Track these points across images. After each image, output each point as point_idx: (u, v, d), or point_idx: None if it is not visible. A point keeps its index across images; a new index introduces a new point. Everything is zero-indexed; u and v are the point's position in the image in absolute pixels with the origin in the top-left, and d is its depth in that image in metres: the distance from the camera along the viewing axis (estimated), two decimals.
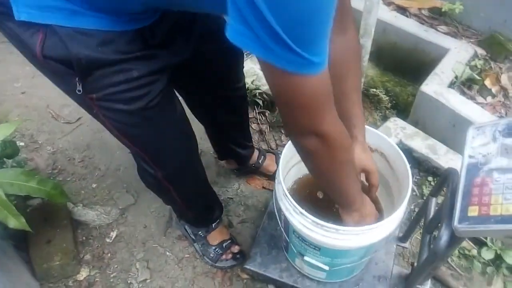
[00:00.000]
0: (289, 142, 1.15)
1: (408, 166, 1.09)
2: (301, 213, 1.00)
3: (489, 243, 1.41)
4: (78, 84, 0.80)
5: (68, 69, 0.78)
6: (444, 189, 1.15)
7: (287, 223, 1.15)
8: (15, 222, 1.02)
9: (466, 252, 1.46)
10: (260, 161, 1.64)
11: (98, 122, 0.93)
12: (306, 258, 1.16)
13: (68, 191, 1.48)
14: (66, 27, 0.73)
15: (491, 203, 0.75)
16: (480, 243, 1.45)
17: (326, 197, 1.27)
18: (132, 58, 0.80)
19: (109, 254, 1.46)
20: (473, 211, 0.77)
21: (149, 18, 0.81)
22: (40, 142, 1.81)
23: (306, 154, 0.77)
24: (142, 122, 0.91)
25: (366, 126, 1.09)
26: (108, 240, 1.50)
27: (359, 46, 0.96)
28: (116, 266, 1.44)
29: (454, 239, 0.88)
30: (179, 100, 1.04)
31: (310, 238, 1.05)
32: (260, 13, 0.51)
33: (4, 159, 1.25)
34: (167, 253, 1.48)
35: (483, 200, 0.77)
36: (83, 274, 1.41)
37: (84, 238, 1.49)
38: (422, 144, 1.65)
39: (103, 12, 0.75)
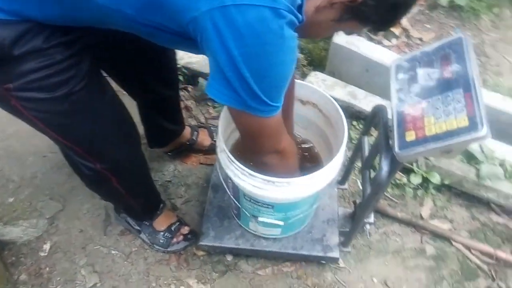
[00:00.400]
0: (223, 111, 1.12)
1: (340, 110, 1.14)
2: (250, 174, 0.99)
3: (416, 169, 1.55)
4: None
5: None
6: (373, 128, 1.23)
7: (236, 190, 1.14)
8: None
9: (397, 181, 1.60)
10: (194, 137, 1.58)
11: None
12: (260, 219, 1.17)
13: None
14: None
15: (425, 125, 0.81)
16: (407, 171, 1.60)
17: None
18: (55, 44, 0.73)
19: (47, 268, 1.32)
20: (410, 136, 0.83)
21: None
22: None
23: (267, 168, 0.96)
24: (69, 110, 0.82)
25: (299, 81, 1.19)
26: (42, 254, 1.35)
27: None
28: (58, 278, 1.31)
29: (394, 166, 0.95)
30: (108, 82, 0.94)
31: (263, 197, 1.05)
32: (247, 84, 0.68)
33: None
34: (112, 252, 1.38)
35: (417, 124, 0.83)
36: None
37: (13, 258, 1.32)
38: (342, 92, 1.74)
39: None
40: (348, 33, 0.84)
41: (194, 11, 0.63)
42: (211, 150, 1.62)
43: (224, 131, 1.17)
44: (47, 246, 1.37)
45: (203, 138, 1.62)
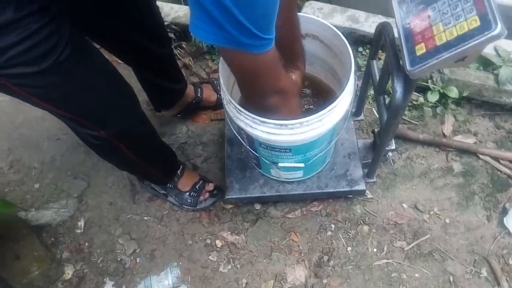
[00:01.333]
0: (220, 62, 1.08)
1: (342, 36, 1.08)
2: (262, 121, 0.97)
3: (431, 86, 1.49)
4: None
5: None
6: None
7: (250, 139, 1.12)
8: None
9: (414, 102, 1.55)
10: (199, 94, 1.55)
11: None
12: (280, 164, 1.16)
13: (12, 201, 1.33)
14: None
15: (434, 34, 0.76)
16: (423, 89, 1.54)
17: None
18: (27, 13, 0.68)
19: (86, 243, 1.38)
20: (420, 49, 0.78)
21: None
22: None
23: (271, 111, 0.91)
24: (61, 80, 0.79)
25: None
26: (78, 231, 1.41)
27: None
28: (99, 251, 1.37)
29: (408, 86, 0.90)
30: (97, 48, 0.91)
31: (278, 142, 1.04)
32: (230, 14, 0.60)
33: None
34: (145, 218, 1.42)
35: (426, 35, 0.77)
36: (69, 272, 1.33)
37: (52, 239, 1.39)
38: (342, 17, 1.65)
39: None
40: None
41: None
42: (219, 104, 1.60)
43: (227, 82, 1.14)
44: (81, 223, 1.42)
45: (209, 94, 1.59)
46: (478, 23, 0.69)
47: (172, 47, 1.37)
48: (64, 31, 0.76)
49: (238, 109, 1.00)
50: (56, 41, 0.74)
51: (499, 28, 0.67)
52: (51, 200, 1.47)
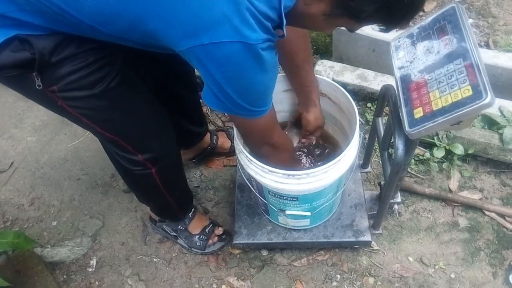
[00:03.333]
0: None
1: (347, 94, 1.16)
2: (271, 171, 1.03)
3: (437, 143, 1.55)
4: (36, 79, 0.81)
5: (24, 70, 0.79)
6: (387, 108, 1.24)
7: (260, 187, 1.18)
8: None
9: (421, 157, 1.60)
10: (214, 141, 1.64)
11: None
12: (287, 212, 1.21)
13: (30, 237, 1.39)
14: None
15: (431, 100, 0.83)
16: (430, 145, 1.59)
17: None
18: (87, 48, 0.83)
19: (96, 282, 1.41)
20: (418, 113, 0.85)
21: None
22: None
23: (263, 157, 1.08)
24: (108, 104, 0.91)
25: None
26: (90, 269, 1.44)
27: (307, 51, 1.19)
28: None
29: (409, 144, 0.97)
30: (141, 82, 1.03)
31: (285, 191, 1.10)
32: (229, 96, 0.79)
33: None
34: (154, 260, 1.46)
35: (424, 100, 0.85)
36: None
37: (65, 276, 1.42)
38: (352, 76, 1.75)
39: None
40: (350, 30, 0.82)
41: (178, 47, 0.73)
42: (233, 151, 1.67)
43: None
44: (93, 262, 1.46)
45: (223, 141, 1.67)
46: (471, 92, 0.77)
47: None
48: (115, 63, 0.89)
49: (249, 158, 1.07)
50: (108, 71, 0.87)
51: (489, 97, 0.74)
52: (67, 238, 1.52)
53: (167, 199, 1.27)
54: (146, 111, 1.04)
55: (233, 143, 1.67)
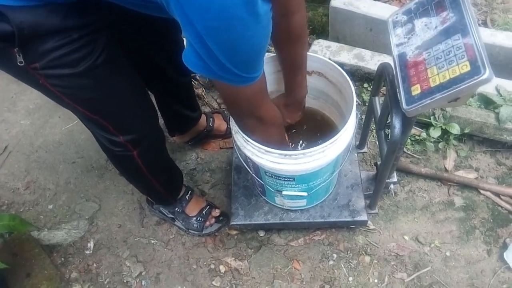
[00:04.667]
0: None
1: (344, 74, 1.15)
2: (267, 151, 1.03)
3: (434, 122, 1.54)
4: (18, 56, 0.77)
5: (5, 43, 0.75)
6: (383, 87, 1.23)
7: (256, 167, 1.18)
8: None
9: (417, 137, 1.60)
10: (210, 123, 1.63)
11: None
12: (284, 192, 1.21)
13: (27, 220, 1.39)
14: (7, 5, 0.72)
15: (429, 76, 0.82)
16: (426, 125, 1.59)
17: None
18: (73, 23, 0.79)
19: (94, 264, 1.42)
20: (416, 90, 0.84)
21: None
22: None
23: (247, 130, 1.02)
24: (92, 83, 0.88)
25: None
26: (88, 252, 1.45)
27: (304, 29, 1.07)
28: (106, 272, 1.40)
29: (406, 122, 0.96)
30: (127, 61, 0.99)
31: (282, 171, 1.09)
32: (212, 53, 0.68)
33: None
34: (152, 241, 1.46)
35: (421, 77, 0.84)
36: None
37: (62, 259, 1.43)
38: (348, 55, 1.73)
39: None
40: None
41: None
42: (229, 133, 1.66)
43: None
44: (91, 244, 1.47)
45: (219, 123, 1.66)
46: (469, 68, 0.76)
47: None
48: (100, 41, 0.85)
49: (246, 139, 1.06)
50: (92, 49, 0.84)
51: (487, 73, 0.73)
52: (63, 221, 1.52)
53: (151, 183, 1.26)
54: (130, 92, 1.01)
55: (229, 124, 1.66)
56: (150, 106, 1.11)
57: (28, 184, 1.65)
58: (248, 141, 1.05)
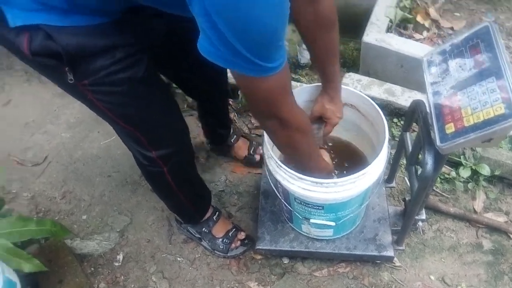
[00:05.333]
0: None
1: (378, 108, 1.19)
2: (299, 178, 1.06)
3: (464, 162, 1.54)
4: (68, 74, 0.85)
5: (58, 62, 0.82)
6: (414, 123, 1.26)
7: (286, 193, 1.21)
8: (30, 265, 1.01)
9: (446, 176, 1.60)
10: (232, 140, 1.69)
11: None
12: (312, 220, 1.23)
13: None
14: (53, 25, 0.78)
15: (463, 116, 0.85)
16: (456, 164, 1.59)
17: None
18: (115, 44, 0.86)
19: (122, 277, 1.46)
20: (449, 128, 0.87)
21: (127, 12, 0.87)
22: (14, 191, 1.75)
23: (268, 132, 0.97)
24: (133, 100, 0.96)
25: None
26: (116, 264, 1.49)
27: (334, 13, 1.03)
28: (133, 285, 1.44)
29: (438, 159, 0.98)
30: (165, 82, 1.09)
31: (313, 199, 1.12)
32: (223, 36, 0.64)
33: None
34: (178, 259, 1.50)
35: (455, 116, 0.87)
36: None
37: (92, 269, 1.48)
38: (379, 90, 1.77)
39: (87, 12, 0.81)
40: None
41: None
42: (247, 161, 1.72)
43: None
44: (120, 257, 1.52)
45: (241, 147, 1.72)
46: (503, 110, 0.79)
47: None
48: (143, 61, 0.93)
49: (278, 164, 1.10)
50: (135, 68, 0.92)
51: None
52: (96, 232, 1.58)
53: (180, 199, 1.32)
54: (165, 107, 1.08)
55: (250, 154, 1.73)
56: (183, 126, 1.18)
57: (64, 194, 1.73)
58: (281, 166, 1.09)
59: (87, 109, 1.00)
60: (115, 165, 1.81)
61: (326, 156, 1.22)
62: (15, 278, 1.04)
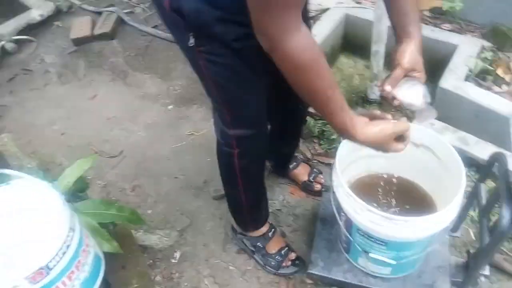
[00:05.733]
0: (340, 145, 1.23)
1: (457, 155, 1.18)
2: (369, 210, 1.08)
3: None
4: (190, 38, 0.93)
5: (185, 23, 0.91)
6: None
7: (349, 223, 1.22)
8: (109, 246, 1.11)
9: None
10: (291, 166, 1.73)
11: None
12: (371, 255, 1.23)
13: None
14: None
15: None
16: None
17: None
18: (235, 20, 0.89)
19: (176, 274, 1.54)
20: None
21: None
22: (89, 177, 1.90)
23: (270, 51, 0.80)
24: (236, 75, 1.03)
25: (412, 124, 1.13)
26: (173, 260, 1.57)
27: None
28: (186, 284, 1.51)
29: None
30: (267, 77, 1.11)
31: (378, 233, 1.13)
32: None
33: (78, 193, 1.33)
34: (231, 267, 1.55)
35: None
36: None
37: (151, 261, 1.57)
38: (453, 137, 1.74)
39: None
40: None
41: None
42: (305, 187, 1.74)
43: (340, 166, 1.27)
44: (177, 255, 1.60)
45: (302, 172, 1.75)
46: None
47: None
48: (253, 43, 0.82)
49: (348, 193, 1.12)
50: (245, 52, 0.96)
51: None
52: (158, 228, 1.68)
53: (241, 200, 1.36)
54: (259, 89, 1.13)
55: (309, 181, 1.74)
56: (265, 118, 1.23)
57: (134, 187, 1.86)
58: (351, 195, 1.12)
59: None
60: (182, 168, 1.92)
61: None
62: (101, 255, 1.13)
